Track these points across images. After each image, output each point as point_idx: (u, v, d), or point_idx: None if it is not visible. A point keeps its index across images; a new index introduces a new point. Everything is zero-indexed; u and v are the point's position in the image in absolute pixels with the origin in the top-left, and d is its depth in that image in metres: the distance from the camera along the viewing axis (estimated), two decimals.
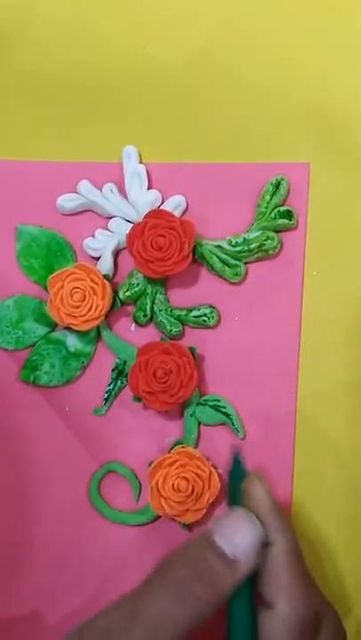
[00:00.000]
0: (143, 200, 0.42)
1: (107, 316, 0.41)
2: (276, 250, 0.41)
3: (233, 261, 0.41)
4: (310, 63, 0.42)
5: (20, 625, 0.42)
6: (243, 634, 0.32)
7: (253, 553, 0.31)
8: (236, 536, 0.32)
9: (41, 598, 0.42)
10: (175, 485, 0.39)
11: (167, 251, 0.39)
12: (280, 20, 0.42)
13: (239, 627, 0.32)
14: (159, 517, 0.41)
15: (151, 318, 0.42)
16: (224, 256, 0.41)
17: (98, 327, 0.42)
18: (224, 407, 0.41)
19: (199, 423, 0.41)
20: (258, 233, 0.41)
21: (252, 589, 0.32)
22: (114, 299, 0.41)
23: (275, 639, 0.31)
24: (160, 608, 0.30)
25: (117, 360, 0.42)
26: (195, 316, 0.41)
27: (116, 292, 0.42)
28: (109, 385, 0.42)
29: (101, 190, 0.42)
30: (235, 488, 0.34)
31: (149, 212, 0.40)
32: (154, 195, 0.42)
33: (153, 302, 0.42)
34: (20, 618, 0.42)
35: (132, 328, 0.42)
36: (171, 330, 0.41)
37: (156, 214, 0.40)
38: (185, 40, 0.43)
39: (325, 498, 0.41)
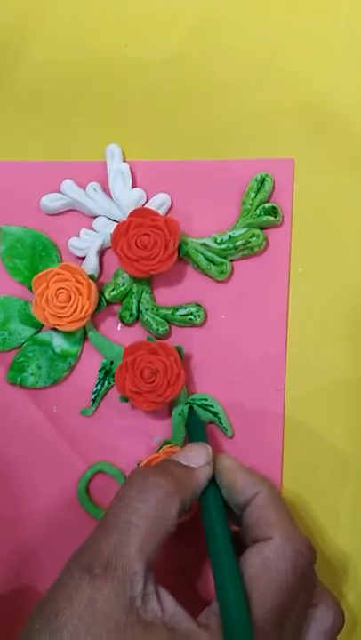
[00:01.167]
0: (127, 199, 0.41)
1: (93, 316, 0.41)
2: (262, 247, 0.41)
3: (219, 259, 0.41)
4: (294, 60, 0.42)
5: (10, 625, 0.42)
6: (228, 571, 0.33)
7: (205, 462, 0.36)
8: (189, 453, 0.36)
9: (30, 600, 0.42)
10: None
11: (152, 249, 0.39)
12: (262, 18, 0.42)
13: (225, 564, 0.33)
14: None
15: (137, 318, 0.42)
16: (210, 254, 0.41)
17: (84, 327, 0.41)
18: (212, 406, 0.41)
19: (186, 422, 0.41)
20: (243, 230, 0.40)
21: (229, 530, 0.34)
22: (100, 299, 0.41)
23: (272, 568, 0.32)
24: (127, 504, 0.33)
25: (104, 360, 0.42)
26: (181, 315, 0.41)
27: (101, 292, 0.41)
28: (97, 385, 0.42)
29: (85, 189, 0.42)
30: (192, 433, 0.39)
31: (134, 211, 0.40)
32: (138, 193, 0.41)
33: (139, 301, 0.41)
34: (10, 620, 0.42)
35: (119, 328, 0.42)
36: (157, 329, 0.41)
37: (141, 213, 0.40)
38: (167, 38, 0.42)
39: (315, 494, 0.41)
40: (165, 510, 0.33)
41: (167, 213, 0.42)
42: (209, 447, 0.37)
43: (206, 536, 0.35)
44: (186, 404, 0.41)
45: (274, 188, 0.41)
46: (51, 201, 0.42)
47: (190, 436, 0.40)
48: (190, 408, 0.41)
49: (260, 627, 0.31)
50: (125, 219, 0.40)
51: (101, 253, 0.42)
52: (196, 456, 0.36)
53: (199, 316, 0.41)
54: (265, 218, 0.40)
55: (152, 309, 0.41)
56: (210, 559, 0.34)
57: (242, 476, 0.36)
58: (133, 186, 0.42)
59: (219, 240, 0.40)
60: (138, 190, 0.42)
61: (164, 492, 0.33)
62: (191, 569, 0.41)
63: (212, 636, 0.31)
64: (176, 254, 0.40)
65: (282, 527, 0.33)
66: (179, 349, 0.40)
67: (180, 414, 0.41)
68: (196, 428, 0.40)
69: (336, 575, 0.41)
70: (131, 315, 0.41)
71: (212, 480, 0.36)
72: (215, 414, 0.41)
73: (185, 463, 0.36)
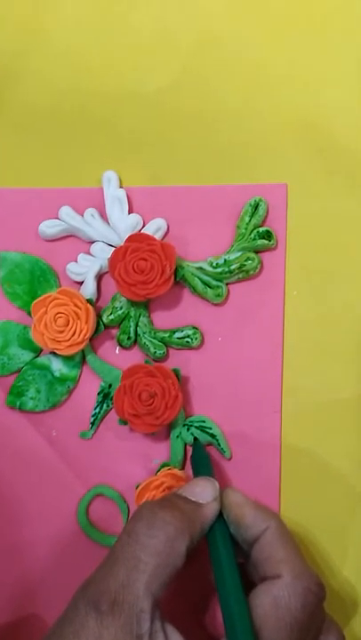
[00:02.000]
0: (124, 224, 0.42)
1: (91, 339, 0.42)
2: (257, 270, 0.41)
3: (215, 282, 0.41)
4: (287, 86, 0.43)
5: None
6: (238, 609, 0.32)
7: (212, 498, 0.36)
8: (196, 488, 0.36)
9: (31, 623, 0.42)
10: None
11: (149, 274, 0.40)
12: (256, 46, 0.43)
13: (233, 601, 0.33)
14: None
15: (135, 341, 0.42)
16: (206, 277, 0.41)
17: (82, 351, 0.42)
18: (210, 428, 0.41)
19: (185, 444, 0.41)
20: (238, 254, 0.41)
21: (237, 565, 0.34)
22: (98, 323, 0.41)
23: (283, 607, 0.32)
24: (136, 540, 0.33)
25: (103, 383, 0.42)
26: (178, 338, 0.41)
27: (99, 316, 0.42)
28: (95, 409, 0.42)
29: (83, 215, 0.42)
30: (197, 468, 0.39)
31: (130, 236, 0.41)
32: (135, 219, 0.42)
33: (136, 325, 0.42)
34: (3, 636, 0.42)
35: (117, 351, 0.42)
36: (155, 352, 0.41)
37: (137, 238, 0.40)
38: (162, 66, 0.43)
39: (312, 516, 0.41)
40: (174, 547, 0.32)
41: (163, 238, 0.42)
42: (216, 482, 0.37)
43: (214, 573, 0.34)
44: (184, 425, 0.41)
45: (268, 212, 0.42)
46: (49, 227, 0.43)
47: (196, 470, 0.40)
48: (195, 440, 0.41)
49: None
50: (122, 244, 0.41)
51: (99, 278, 0.43)
52: (203, 491, 0.36)
53: (196, 338, 0.41)
54: (259, 242, 0.41)
55: (149, 333, 0.42)
56: (218, 597, 0.34)
57: (249, 511, 0.35)
58: (130, 211, 0.43)
59: (214, 264, 0.41)
60: (134, 216, 0.42)
61: (172, 529, 0.33)
62: (198, 605, 0.41)
63: None
64: (173, 278, 0.40)
65: (291, 565, 0.33)
66: (176, 372, 0.40)
67: (178, 436, 0.41)
68: (202, 461, 0.39)
69: (340, 602, 0.41)
70: (128, 338, 0.42)
71: (220, 515, 0.36)
72: (213, 436, 0.41)
73: (193, 499, 0.35)
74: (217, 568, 0.34)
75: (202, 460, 0.40)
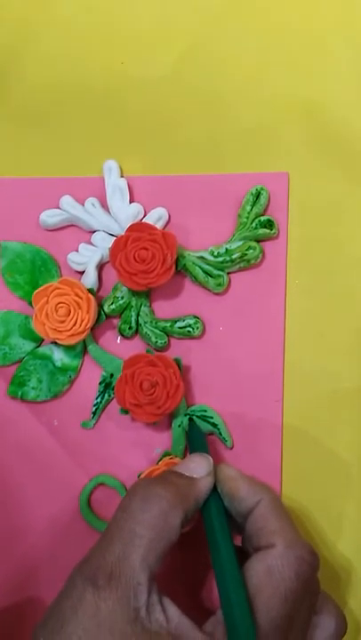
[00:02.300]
0: (125, 213, 0.42)
1: (92, 329, 0.42)
2: (258, 259, 0.41)
3: (216, 272, 0.41)
4: (288, 74, 0.43)
5: (7, 634, 0.42)
6: (231, 576, 0.33)
7: (206, 473, 0.36)
8: (191, 464, 0.36)
9: (33, 612, 0.42)
10: None
11: (150, 263, 0.40)
12: (256, 34, 0.43)
13: (228, 570, 0.33)
14: None
15: (136, 330, 0.42)
16: (207, 267, 0.41)
17: (84, 341, 0.42)
18: (211, 417, 0.41)
19: (187, 433, 0.41)
20: (240, 243, 0.41)
21: (231, 538, 0.35)
22: (99, 312, 0.41)
23: (276, 576, 0.32)
24: (130, 515, 0.33)
25: (104, 373, 0.42)
26: (180, 327, 0.41)
27: (100, 306, 0.42)
28: (97, 398, 0.42)
29: (84, 205, 0.42)
30: (193, 444, 0.40)
31: (131, 226, 0.41)
32: (136, 208, 0.42)
33: (138, 315, 0.42)
34: (9, 628, 0.42)
35: (118, 341, 0.42)
36: (156, 341, 0.41)
37: (138, 227, 0.40)
38: (162, 55, 0.43)
39: (314, 504, 0.41)
40: (168, 521, 0.33)
41: (164, 227, 0.42)
42: (210, 458, 0.37)
43: (209, 545, 0.35)
44: (185, 415, 0.41)
45: (269, 201, 0.42)
46: (50, 216, 0.42)
47: (191, 447, 0.40)
48: (190, 420, 0.41)
49: (265, 634, 0.31)
50: (123, 233, 0.41)
51: (100, 268, 0.43)
52: (197, 466, 0.36)
53: (197, 328, 0.41)
54: (261, 231, 0.41)
55: (151, 322, 0.42)
56: (213, 568, 0.34)
57: (243, 484, 0.36)
58: (131, 201, 0.42)
59: (216, 253, 0.41)
60: (135, 205, 0.42)
61: (166, 503, 0.33)
62: (195, 578, 0.41)
63: None
64: (174, 267, 0.40)
65: (284, 535, 0.34)
66: (177, 361, 0.40)
67: (179, 426, 0.41)
68: (197, 439, 0.40)
69: (338, 582, 0.41)
70: (130, 328, 0.42)
71: (214, 490, 0.36)
72: (215, 425, 0.41)
73: (187, 474, 0.36)
74: (211, 540, 0.35)
75: (196, 437, 0.40)
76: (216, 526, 0.35)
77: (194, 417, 0.41)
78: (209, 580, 0.41)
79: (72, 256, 0.42)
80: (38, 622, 0.32)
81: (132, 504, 0.34)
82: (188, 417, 0.41)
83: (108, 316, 0.42)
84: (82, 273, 0.42)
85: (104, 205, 0.43)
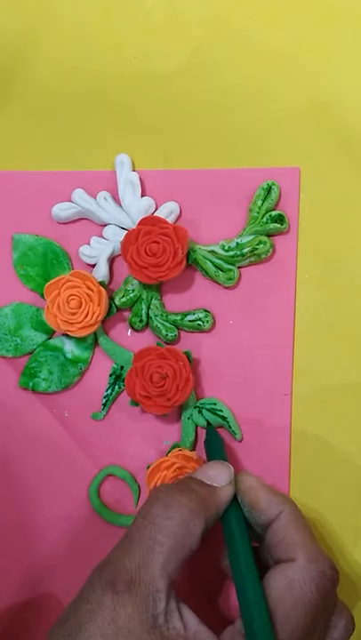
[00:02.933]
0: (137, 207, 0.42)
1: (103, 322, 0.42)
2: (269, 254, 0.41)
3: (226, 266, 0.41)
4: (299, 69, 0.42)
5: (21, 626, 0.42)
6: (252, 591, 0.33)
7: (227, 482, 0.36)
8: (211, 471, 0.36)
9: (42, 602, 0.42)
10: None
11: (161, 257, 0.40)
12: (267, 29, 0.43)
13: (249, 582, 0.33)
14: None
15: (147, 323, 0.42)
16: (218, 261, 0.42)
17: (95, 333, 0.42)
18: (221, 410, 0.41)
19: (196, 426, 0.42)
20: (250, 237, 0.41)
21: (251, 548, 0.35)
22: (110, 305, 0.42)
23: (297, 590, 0.32)
24: (151, 521, 0.33)
25: (114, 365, 0.42)
26: (190, 321, 0.42)
27: (111, 299, 0.42)
28: (107, 390, 0.42)
29: (96, 198, 0.43)
30: (211, 451, 0.39)
31: (143, 219, 0.41)
32: (147, 202, 0.42)
33: (148, 308, 0.42)
34: (22, 620, 0.42)
35: (129, 333, 0.43)
36: (166, 335, 0.42)
37: (150, 221, 0.41)
38: (174, 50, 0.43)
39: (322, 497, 0.41)
40: (190, 529, 0.33)
41: (176, 221, 0.42)
42: (230, 466, 0.37)
43: (229, 556, 0.35)
44: (195, 407, 0.41)
45: (280, 195, 0.42)
46: (62, 210, 0.43)
47: (210, 453, 0.40)
48: (208, 424, 0.41)
49: None
50: (135, 227, 0.41)
51: (111, 261, 0.43)
52: (218, 475, 0.36)
53: (207, 321, 0.42)
54: (272, 225, 0.41)
55: (161, 315, 0.42)
56: (233, 579, 0.34)
57: (264, 495, 0.36)
58: (143, 194, 0.43)
59: (226, 247, 0.41)
60: (147, 199, 0.42)
61: (188, 511, 0.33)
62: (213, 586, 0.41)
63: None
64: (185, 261, 0.40)
65: (305, 548, 0.34)
66: (187, 354, 0.40)
67: (189, 418, 0.41)
68: (216, 445, 0.40)
69: (347, 582, 0.41)
70: (140, 321, 0.42)
71: (234, 498, 0.36)
72: (224, 418, 0.41)
73: (208, 482, 0.36)
74: (232, 551, 0.35)
75: (215, 443, 0.40)
76: (236, 536, 0.35)
77: (203, 410, 0.41)
78: (227, 589, 0.41)
79: (83, 249, 0.43)
80: (54, 623, 0.32)
81: (154, 510, 0.33)
82: (198, 411, 0.41)
83: (118, 309, 0.42)
84: (93, 266, 0.43)
85: (116, 199, 0.43)
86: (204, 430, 0.42)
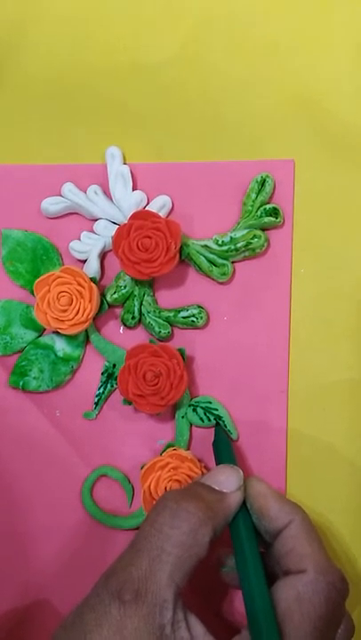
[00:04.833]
0: (128, 201, 0.41)
1: (95, 319, 0.41)
2: (264, 248, 0.41)
3: (220, 261, 0.41)
4: (293, 60, 0.42)
5: (14, 629, 0.42)
6: (261, 602, 0.32)
7: (236, 487, 0.35)
8: (221, 476, 0.36)
9: (35, 603, 0.42)
10: (168, 488, 0.39)
11: (153, 252, 0.39)
12: (260, 20, 0.42)
13: (257, 592, 0.33)
14: None
15: (140, 320, 0.42)
16: (211, 256, 0.41)
17: (86, 331, 0.41)
18: (216, 409, 0.41)
19: (190, 425, 0.41)
20: (244, 231, 0.40)
21: (260, 556, 0.34)
22: (101, 301, 0.41)
23: (306, 602, 0.32)
24: (159, 530, 0.32)
25: (107, 363, 0.42)
26: (183, 317, 0.41)
27: (103, 295, 0.41)
28: (99, 389, 0.42)
29: (86, 192, 0.42)
30: (220, 454, 0.38)
31: (135, 214, 0.40)
32: (139, 195, 0.41)
33: (141, 304, 0.41)
34: (15, 622, 0.42)
35: (121, 331, 0.42)
36: (160, 331, 0.41)
37: (142, 215, 0.40)
38: (165, 40, 0.42)
39: (319, 496, 0.41)
40: (197, 538, 0.32)
41: (168, 215, 0.42)
42: (240, 470, 0.36)
43: (237, 564, 0.34)
44: (189, 406, 0.41)
45: (275, 189, 0.41)
46: (51, 204, 0.42)
47: (219, 457, 0.39)
48: (217, 425, 0.40)
49: None
50: (126, 221, 0.40)
51: (103, 256, 0.42)
52: (227, 480, 0.35)
53: (201, 317, 0.41)
54: (266, 219, 0.40)
55: (154, 312, 0.41)
56: (241, 588, 0.34)
57: (274, 503, 0.35)
58: (134, 188, 0.42)
59: (220, 242, 0.40)
60: (138, 193, 0.41)
61: (196, 520, 0.33)
62: (220, 595, 0.40)
63: None
64: (177, 256, 0.40)
65: (316, 560, 0.33)
66: (181, 352, 0.40)
67: (183, 417, 0.41)
68: (225, 448, 0.39)
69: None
70: (133, 317, 0.41)
71: (243, 504, 0.35)
72: (219, 417, 0.41)
73: (216, 487, 0.35)
74: (240, 559, 0.34)
75: (224, 445, 0.39)
76: (245, 544, 0.34)
77: (198, 408, 0.41)
78: (234, 597, 0.40)
79: (74, 244, 0.42)
80: (57, 628, 0.32)
81: (161, 519, 0.33)
82: (193, 409, 0.41)
83: (110, 306, 0.41)
84: (84, 262, 0.42)
85: (106, 193, 0.42)
86: (199, 429, 0.41)
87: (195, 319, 0.41)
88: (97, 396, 0.42)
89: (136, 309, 0.41)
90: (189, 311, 0.41)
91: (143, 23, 0.43)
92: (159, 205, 0.41)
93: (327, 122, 0.42)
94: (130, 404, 0.40)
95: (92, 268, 0.41)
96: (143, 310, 0.41)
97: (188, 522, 0.32)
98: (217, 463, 0.38)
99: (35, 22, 0.43)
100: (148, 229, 0.39)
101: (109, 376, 0.42)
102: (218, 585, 0.39)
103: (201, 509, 0.33)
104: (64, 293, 0.40)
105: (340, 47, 0.42)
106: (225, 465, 0.37)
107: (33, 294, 0.40)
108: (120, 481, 0.41)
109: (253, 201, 0.41)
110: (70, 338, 0.41)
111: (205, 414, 0.41)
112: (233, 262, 0.41)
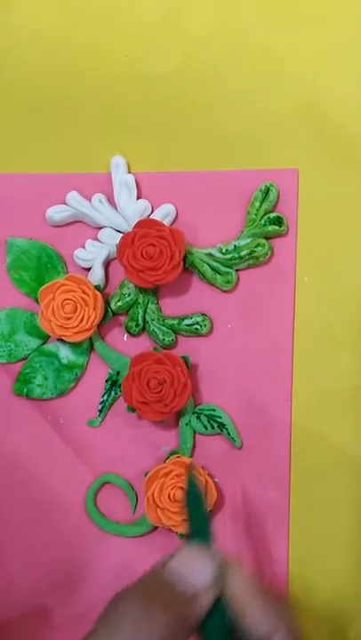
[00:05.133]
0: (132, 209, 0.42)
1: (99, 326, 0.41)
2: (267, 256, 0.41)
3: (224, 269, 0.41)
4: (297, 70, 0.42)
5: (15, 636, 0.42)
6: None
7: (212, 578, 0.30)
8: (194, 563, 0.30)
9: (37, 610, 0.42)
10: (171, 495, 0.39)
11: (158, 260, 0.39)
12: (264, 29, 0.42)
13: None
14: (156, 528, 0.41)
15: (143, 328, 0.42)
16: (215, 264, 0.41)
17: (90, 338, 0.41)
18: (220, 417, 0.41)
19: (194, 432, 0.41)
20: (248, 240, 0.41)
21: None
22: (105, 309, 0.41)
23: None
24: (123, 636, 0.28)
25: (111, 371, 0.42)
26: (187, 325, 0.41)
27: (107, 303, 0.41)
28: (103, 396, 0.42)
29: (90, 201, 0.42)
30: (192, 518, 0.32)
31: (139, 222, 0.40)
32: (143, 204, 0.42)
33: (145, 312, 0.41)
34: (17, 629, 0.42)
35: (125, 338, 0.42)
36: (163, 339, 0.41)
37: (146, 223, 0.40)
38: (169, 49, 0.43)
39: (322, 504, 0.41)
40: None
41: (172, 224, 0.42)
42: (217, 552, 0.31)
43: None
44: (193, 413, 0.41)
45: (278, 197, 0.41)
46: (56, 212, 0.42)
47: (191, 522, 0.32)
48: (190, 479, 0.33)
49: None
50: (131, 229, 0.40)
51: (107, 264, 0.42)
52: (202, 570, 0.30)
53: (205, 325, 0.41)
54: (270, 227, 0.40)
55: (158, 319, 0.41)
56: None
57: (257, 610, 0.29)
58: (138, 197, 0.42)
59: (224, 250, 0.41)
60: (143, 201, 0.42)
61: (167, 631, 0.28)
62: None
63: None
64: (181, 264, 0.40)
65: None
66: (185, 359, 0.40)
67: (187, 424, 0.41)
68: (197, 509, 0.33)
69: (346, 595, 0.41)
70: (137, 325, 0.41)
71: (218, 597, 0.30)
72: (223, 425, 0.41)
73: (189, 580, 0.30)
74: None
75: (196, 507, 0.33)
76: None
77: (201, 415, 0.41)
78: None
79: (78, 252, 0.42)
80: None
81: (124, 625, 0.28)
82: (197, 417, 0.41)
83: (114, 314, 0.42)
84: (88, 270, 0.42)
85: (111, 201, 0.42)
86: (202, 436, 0.41)
87: (198, 327, 0.41)
88: (101, 403, 0.42)
89: (140, 317, 0.41)
90: (193, 319, 0.41)
91: (147, 34, 0.43)
92: (163, 214, 0.42)
93: (331, 131, 0.42)
94: (134, 411, 0.40)
95: (97, 275, 0.41)
96: (147, 318, 0.41)
97: (159, 634, 0.28)
98: (187, 528, 0.32)
99: (41, 33, 0.43)
100: (153, 238, 0.39)
101: (113, 383, 0.42)
102: None
103: (172, 618, 0.28)
104: (68, 301, 0.40)
105: (344, 56, 0.42)
106: (198, 548, 0.31)
107: (37, 302, 0.40)
108: (123, 488, 0.41)
109: (257, 209, 0.41)
110: (74, 345, 0.42)
111: (209, 422, 0.41)
112: (237, 270, 0.41)
